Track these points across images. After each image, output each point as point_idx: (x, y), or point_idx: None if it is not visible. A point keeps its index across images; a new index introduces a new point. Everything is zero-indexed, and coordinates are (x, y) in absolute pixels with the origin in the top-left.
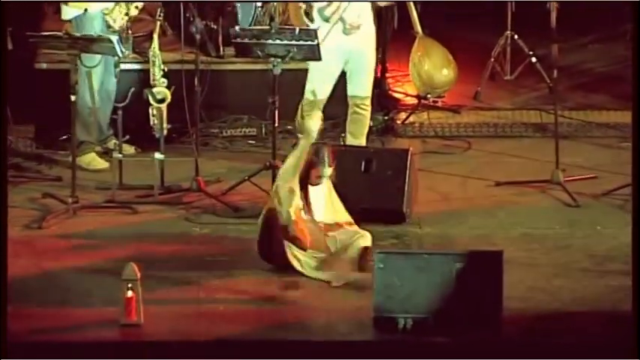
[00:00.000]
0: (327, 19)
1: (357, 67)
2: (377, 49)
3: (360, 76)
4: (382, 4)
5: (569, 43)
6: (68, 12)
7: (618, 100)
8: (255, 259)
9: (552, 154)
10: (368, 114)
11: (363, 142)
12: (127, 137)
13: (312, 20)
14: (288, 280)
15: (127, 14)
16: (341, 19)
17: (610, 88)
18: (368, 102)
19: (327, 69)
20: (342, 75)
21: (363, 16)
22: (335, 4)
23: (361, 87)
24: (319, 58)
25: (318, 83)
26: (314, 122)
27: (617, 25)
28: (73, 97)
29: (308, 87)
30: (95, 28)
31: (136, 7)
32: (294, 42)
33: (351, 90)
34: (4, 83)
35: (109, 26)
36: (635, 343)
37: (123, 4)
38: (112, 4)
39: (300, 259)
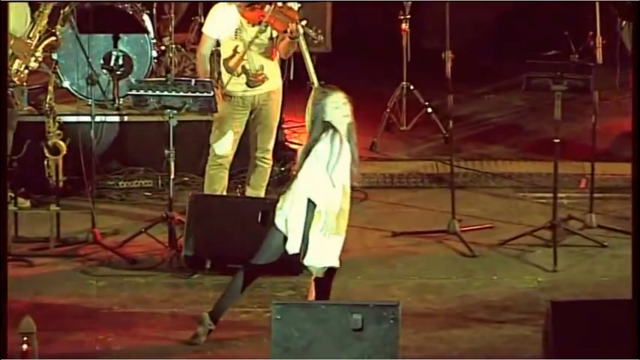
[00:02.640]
0: (230, 70)
1: (261, 119)
2: None
3: (264, 129)
4: (284, 54)
5: (465, 93)
6: None
7: (513, 150)
8: (152, 312)
9: (448, 204)
10: (269, 167)
11: (261, 194)
12: (22, 190)
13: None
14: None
15: (26, 67)
16: (245, 70)
17: (505, 139)
18: (270, 155)
19: (231, 121)
20: (247, 127)
21: (268, 69)
22: (238, 55)
23: (264, 139)
24: (215, 110)
25: (222, 135)
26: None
27: (512, 75)
28: None
29: (213, 139)
30: None
31: (36, 60)
32: (190, 94)
33: (253, 142)
34: (4, 83)
35: (10, 80)
36: (635, 343)
37: (24, 57)
38: (11, 58)
39: None
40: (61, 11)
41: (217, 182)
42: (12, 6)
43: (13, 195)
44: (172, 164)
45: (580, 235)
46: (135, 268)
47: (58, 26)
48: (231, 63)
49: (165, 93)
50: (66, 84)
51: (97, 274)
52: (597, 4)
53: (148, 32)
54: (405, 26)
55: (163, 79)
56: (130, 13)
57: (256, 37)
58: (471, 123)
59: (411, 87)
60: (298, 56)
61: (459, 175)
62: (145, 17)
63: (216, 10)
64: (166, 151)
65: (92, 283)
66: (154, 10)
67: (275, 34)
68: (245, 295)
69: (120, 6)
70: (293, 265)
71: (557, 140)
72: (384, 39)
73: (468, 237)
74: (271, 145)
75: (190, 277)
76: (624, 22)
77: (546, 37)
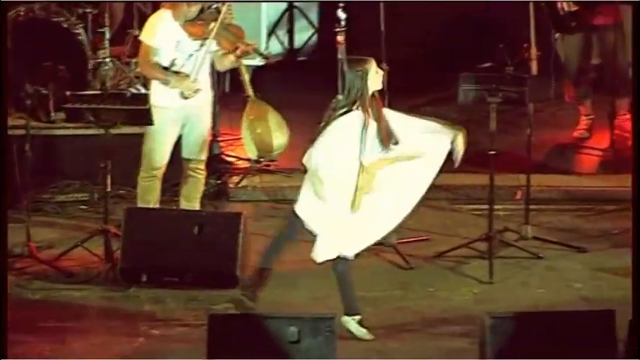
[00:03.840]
0: (166, 82)
1: (193, 130)
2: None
3: (197, 140)
4: (222, 68)
5: (401, 105)
6: None
7: (449, 162)
8: (88, 326)
9: None
10: (203, 178)
11: (196, 205)
12: None
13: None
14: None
15: None
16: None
17: None
18: (203, 165)
19: (164, 133)
20: (179, 138)
21: (201, 80)
22: (175, 68)
23: (197, 150)
24: (151, 123)
25: (155, 147)
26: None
27: (447, 87)
28: None
29: (145, 151)
30: None
31: None
32: (125, 106)
33: (186, 153)
34: (5, 84)
35: None
36: (636, 343)
37: None
38: None
39: None
40: None
41: (150, 193)
42: None
43: None
44: (108, 177)
45: (516, 246)
46: (71, 281)
47: None
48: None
49: (101, 106)
50: None
51: (32, 288)
52: (532, 17)
53: (82, 45)
54: (340, 38)
55: (99, 92)
56: (65, 26)
57: (197, 50)
58: None
59: None
60: (233, 68)
61: None
62: (80, 30)
63: (157, 19)
64: (101, 164)
65: (28, 297)
66: (89, 22)
67: (215, 49)
68: (181, 307)
69: (54, 19)
70: (229, 278)
71: (493, 152)
72: (320, 51)
73: (404, 249)
74: (204, 156)
75: (126, 290)
76: (558, 34)
77: (481, 50)
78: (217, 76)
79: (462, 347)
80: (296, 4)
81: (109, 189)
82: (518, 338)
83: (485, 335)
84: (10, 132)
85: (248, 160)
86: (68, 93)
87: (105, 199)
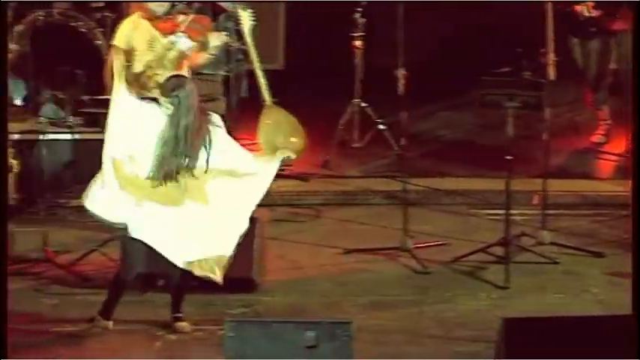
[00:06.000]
0: (143, 86)
1: None
2: (226, 117)
3: None
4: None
5: (418, 110)
6: None
7: (466, 167)
8: (105, 330)
9: (401, 221)
10: None
11: None
12: None
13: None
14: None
15: None
16: (158, 84)
17: (458, 155)
18: None
19: None
20: None
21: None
22: (151, 70)
23: None
24: None
25: None
26: None
27: (464, 92)
28: None
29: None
30: None
31: None
32: None
33: None
34: (5, 84)
35: None
36: (636, 343)
37: None
38: None
39: None
40: (14, 29)
41: None
42: None
43: None
44: None
45: (533, 252)
46: (87, 286)
47: (12, 44)
48: (144, 77)
49: None
50: (17, 101)
51: (49, 292)
52: (549, 22)
53: (99, 51)
54: (357, 43)
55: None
56: (84, 31)
57: (170, 48)
58: (424, 140)
59: (363, 104)
60: (250, 74)
61: (412, 192)
62: (99, 35)
63: (127, 22)
64: None
65: (45, 302)
66: (108, 26)
67: (186, 46)
68: (197, 312)
69: (73, 23)
70: (246, 282)
71: (510, 157)
72: (337, 56)
73: (421, 254)
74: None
75: (143, 295)
76: (575, 39)
77: (498, 55)
78: (234, 82)
79: (479, 352)
80: None
81: None
82: (534, 343)
83: (501, 339)
84: (27, 136)
85: None
86: (85, 97)
87: None
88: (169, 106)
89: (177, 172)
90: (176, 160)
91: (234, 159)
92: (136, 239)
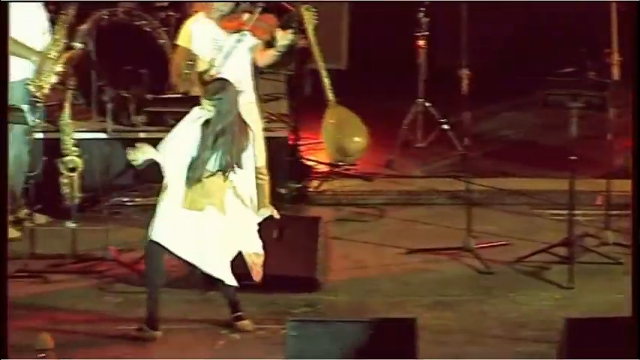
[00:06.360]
0: (207, 84)
1: None
2: (289, 117)
3: None
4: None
5: (481, 110)
6: None
7: (530, 167)
8: (168, 329)
9: (464, 221)
10: (265, 182)
11: (268, 210)
12: (39, 206)
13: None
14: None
15: (47, 82)
16: None
17: (521, 156)
18: (264, 171)
19: None
20: None
21: (245, 82)
22: (215, 68)
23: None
24: None
25: None
26: None
27: (526, 92)
28: None
29: None
30: (16, 97)
31: (56, 74)
32: None
33: None
34: (5, 85)
35: (33, 95)
36: (636, 343)
37: (46, 72)
38: (34, 74)
39: None
40: (79, 28)
41: None
42: (31, 20)
43: (29, 212)
44: None
45: (596, 252)
46: None
47: (76, 42)
48: (207, 76)
49: (182, 109)
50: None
51: (113, 291)
52: (613, 21)
53: (164, 50)
54: (421, 43)
55: (180, 95)
56: (148, 30)
57: (234, 47)
58: (488, 140)
59: (427, 104)
60: (314, 73)
61: (475, 192)
62: (162, 34)
63: (191, 22)
64: None
65: (108, 300)
66: (172, 26)
67: (253, 44)
68: (260, 311)
69: (137, 22)
70: (309, 282)
71: (574, 157)
72: (401, 56)
73: (483, 254)
74: (263, 160)
75: (206, 294)
76: None
77: (562, 54)
78: (298, 81)
79: (542, 352)
80: None
81: None
82: (597, 343)
83: (564, 340)
84: (91, 135)
85: (328, 164)
86: (149, 96)
87: None
88: (211, 108)
89: (211, 175)
90: (210, 162)
91: (246, 183)
92: (157, 242)
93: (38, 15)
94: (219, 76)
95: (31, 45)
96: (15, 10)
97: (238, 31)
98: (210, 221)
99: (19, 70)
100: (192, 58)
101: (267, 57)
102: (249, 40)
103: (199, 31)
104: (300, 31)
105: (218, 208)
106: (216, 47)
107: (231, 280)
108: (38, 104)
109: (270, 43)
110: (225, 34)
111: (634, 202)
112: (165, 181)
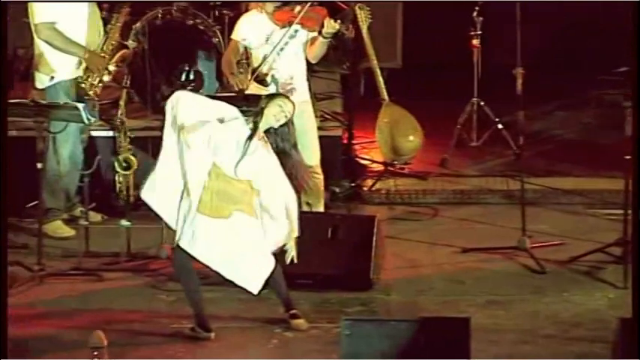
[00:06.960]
0: (260, 80)
1: (298, 134)
2: (343, 115)
3: (304, 144)
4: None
5: (535, 109)
6: (42, 80)
7: (584, 166)
8: (222, 327)
9: (518, 220)
10: (320, 181)
11: (321, 209)
12: (94, 204)
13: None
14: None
15: (101, 81)
16: (274, 79)
17: (576, 155)
18: (318, 169)
19: None
20: None
21: (297, 79)
22: (268, 63)
23: (308, 155)
24: None
25: None
26: None
27: (580, 91)
28: (39, 165)
29: None
30: (68, 96)
31: (109, 72)
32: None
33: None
34: (5, 85)
35: (85, 94)
36: (635, 343)
37: (97, 71)
38: (84, 72)
39: None
40: (133, 27)
41: None
42: (85, 19)
43: (84, 210)
44: None
45: None
46: (204, 283)
47: (130, 41)
48: (261, 74)
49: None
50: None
51: (167, 289)
52: None
53: (217, 49)
54: (476, 42)
55: (233, 93)
56: (202, 28)
57: (286, 42)
58: (542, 139)
59: (482, 103)
60: (368, 72)
61: (530, 191)
62: (217, 33)
63: (244, 17)
64: None
65: (162, 298)
66: (226, 25)
67: (305, 39)
68: (314, 310)
69: (191, 21)
70: (363, 280)
71: (629, 157)
72: (455, 55)
73: (538, 253)
74: (317, 159)
75: (260, 292)
76: None
77: (616, 53)
78: (352, 80)
79: (595, 352)
80: None
81: None
82: None
83: (618, 340)
84: (146, 133)
85: (382, 163)
86: (203, 94)
87: None
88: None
89: (234, 180)
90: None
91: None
92: (184, 250)
93: (89, 12)
94: (271, 73)
95: (85, 43)
96: (64, 7)
97: (290, 23)
98: (239, 227)
99: (70, 67)
100: (245, 54)
101: (317, 47)
102: (302, 35)
103: (252, 25)
104: (355, 30)
105: (247, 212)
106: (268, 42)
107: (255, 289)
108: (93, 102)
109: (321, 34)
110: (277, 27)
111: (634, 202)
112: (189, 185)
